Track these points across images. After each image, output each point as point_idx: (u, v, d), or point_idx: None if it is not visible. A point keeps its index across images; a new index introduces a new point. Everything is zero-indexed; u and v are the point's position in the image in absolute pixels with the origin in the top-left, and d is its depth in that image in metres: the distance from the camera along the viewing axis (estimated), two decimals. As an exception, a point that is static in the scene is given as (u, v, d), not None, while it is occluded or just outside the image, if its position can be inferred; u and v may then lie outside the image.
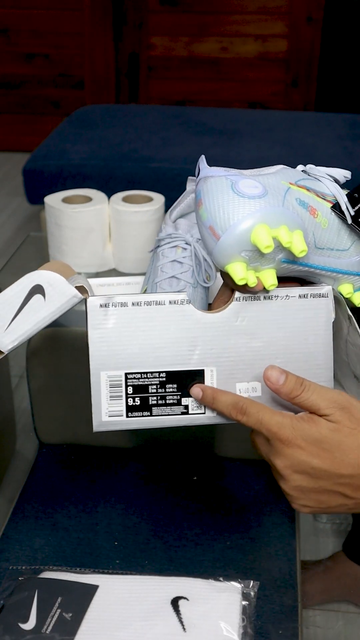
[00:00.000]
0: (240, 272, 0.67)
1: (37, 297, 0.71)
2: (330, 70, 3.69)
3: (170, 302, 0.72)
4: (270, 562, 0.90)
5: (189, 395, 0.73)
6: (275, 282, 0.69)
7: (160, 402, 0.73)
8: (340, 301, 0.76)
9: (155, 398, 0.73)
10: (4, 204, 3.32)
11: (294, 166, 0.76)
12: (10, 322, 0.70)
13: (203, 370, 0.73)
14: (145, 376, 0.72)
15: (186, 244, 0.92)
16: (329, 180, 0.74)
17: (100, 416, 0.72)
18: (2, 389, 1.15)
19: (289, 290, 0.74)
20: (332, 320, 0.75)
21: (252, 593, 0.81)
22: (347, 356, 0.78)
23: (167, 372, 0.73)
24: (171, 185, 1.39)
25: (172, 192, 1.11)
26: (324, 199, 0.72)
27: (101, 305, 0.71)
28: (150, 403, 0.73)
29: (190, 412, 0.73)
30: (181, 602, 0.80)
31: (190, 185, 1.03)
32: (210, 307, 0.76)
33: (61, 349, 1.02)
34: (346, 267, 0.74)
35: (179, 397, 0.73)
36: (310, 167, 0.75)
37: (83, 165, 2.57)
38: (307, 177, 0.73)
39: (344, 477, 0.68)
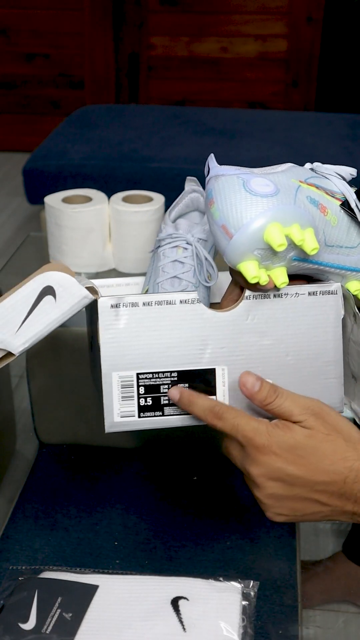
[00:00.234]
0: (252, 271, 0.67)
1: (48, 299, 0.70)
2: (330, 70, 3.70)
3: (181, 302, 0.72)
4: (270, 562, 0.90)
5: None
6: (286, 280, 0.70)
7: (171, 401, 0.73)
8: (346, 298, 0.76)
9: (167, 398, 0.73)
10: (4, 204, 3.32)
11: (295, 167, 0.76)
12: (21, 324, 0.70)
13: (214, 369, 0.73)
14: (156, 376, 0.72)
15: (187, 243, 0.92)
16: (336, 178, 0.74)
17: (112, 417, 0.72)
18: (2, 389, 1.15)
19: (298, 287, 0.74)
20: (342, 317, 0.76)
21: (252, 593, 0.81)
22: (349, 355, 0.78)
23: (178, 372, 0.73)
24: (171, 185, 1.39)
25: (172, 192, 1.11)
26: (333, 197, 0.72)
27: (112, 306, 0.71)
28: (162, 403, 0.73)
29: None
30: (181, 602, 0.80)
31: (188, 186, 1.03)
32: (219, 306, 0.76)
33: (61, 349, 1.02)
34: (355, 264, 0.75)
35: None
36: (317, 165, 0.75)
37: (83, 165, 2.57)
38: (315, 175, 0.73)
39: (319, 484, 0.68)
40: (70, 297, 0.70)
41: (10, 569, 0.85)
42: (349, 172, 0.75)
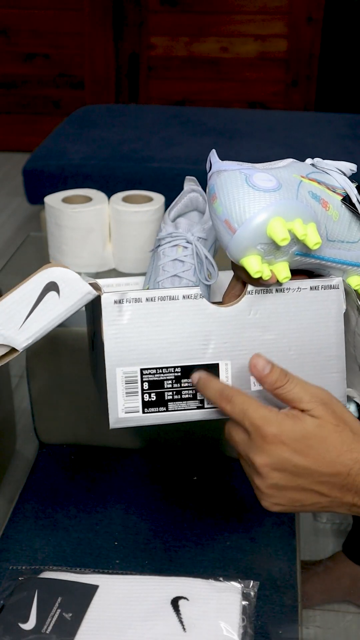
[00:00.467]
0: (255, 265, 0.67)
1: (52, 294, 0.70)
2: (330, 70, 3.69)
3: (183, 297, 0.72)
4: (270, 562, 0.90)
5: None
6: (289, 274, 0.70)
7: (176, 397, 0.73)
8: (348, 293, 0.76)
9: (171, 393, 0.73)
10: (4, 204, 3.32)
11: (296, 166, 0.76)
12: (25, 320, 0.70)
13: (218, 364, 0.73)
14: (160, 371, 0.72)
15: (187, 242, 0.92)
16: (337, 173, 0.74)
17: (117, 413, 0.72)
18: (2, 389, 1.15)
19: (300, 282, 0.75)
20: (344, 311, 0.76)
21: (252, 593, 0.81)
22: (355, 348, 0.79)
23: (182, 367, 0.73)
24: (171, 185, 1.39)
25: (172, 192, 1.11)
26: (334, 192, 0.73)
27: (115, 302, 0.71)
28: (166, 398, 0.73)
29: (206, 406, 0.74)
30: (181, 602, 0.80)
31: (187, 185, 1.03)
32: (221, 302, 0.76)
33: (61, 349, 1.02)
34: (356, 259, 0.75)
35: (194, 392, 0.73)
36: (318, 161, 0.75)
37: (83, 165, 2.57)
38: (316, 171, 0.74)
39: (324, 476, 0.67)
40: (73, 293, 0.70)
41: (10, 569, 0.85)
42: (349, 167, 0.76)
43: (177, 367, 0.73)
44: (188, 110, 3.22)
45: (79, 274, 0.73)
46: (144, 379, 0.72)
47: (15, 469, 1.14)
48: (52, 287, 0.70)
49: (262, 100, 3.79)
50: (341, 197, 0.73)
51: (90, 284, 0.72)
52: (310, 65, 3.69)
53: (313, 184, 0.71)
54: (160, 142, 2.72)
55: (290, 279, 0.72)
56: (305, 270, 0.77)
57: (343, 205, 0.73)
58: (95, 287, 0.72)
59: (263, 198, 0.66)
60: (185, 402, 0.73)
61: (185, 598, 0.80)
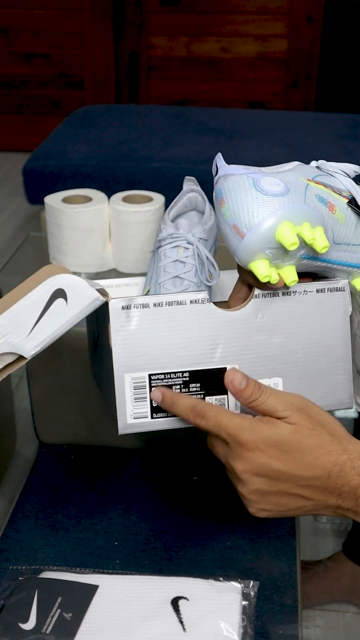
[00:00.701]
0: (264, 270, 0.68)
1: (60, 302, 0.70)
2: (330, 70, 3.69)
3: (191, 302, 0.72)
4: (270, 562, 0.90)
5: (212, 394, 0.73)
6: (296, 278, 0.70)
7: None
8: (353, 295, 0.76)
9: None
10: (4, 204, 3.32)
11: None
12: (33, 328, 0.69)
13: (225, 368, 0.73)
14: (168, 376, 0.72)
15: (188, 243, 0.92)
16: (342, 175, 0.74)
17: (126, 419, 0.72)
18: (2, 389, 1.15)
19: (306, 285, 0.75)
20: (349, 313, 0.76)
21: (252, 593, 0.81)
22: (355, 351, 0.79)
23: (190, 372, 0.73)
24: (171, 185, 1.39)
25: (172, 192, 1.11)
26: (340, 195, 0.73)
27: (123, 307, 0.71)
28: None
29: None
30: (181, 602, 0.80)
31: (187, 185, 1.03)
32: (226, 305, 0.76)
33: (61, 349, 1.02)
34: None
35: (202, 396, 0.73)
36: (322, 163, 0.76)
37: (83, 165, 2.57)
38: (322, 173, 0.74)
39: (304, 479, 0.68)
40: (81, 300, 0.70)
41: (10, 569, 0.85)
42: (353, 169, 0.76)
43: (185, 371, 0.73)
44: (188, 110, 3.22)
45: (78, 274, 0.73)
46: (152, 384, 0.72)
47: (15, 469, 1.14)
48: (59, 294, 0.70)
49: (262, 100, 3.79)
50: (347, 200, 0.73)
51: (98, 290, 0.71)
52: (310, 65, 3.69)
53: (319, 187, 0.71)
54: (160, 142, 2.72)
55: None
56: (311, 272, 0.77)
57: (349, 208, 0.73)
58: (103, 292, 0.72)
59: (271, 202, 0.66)
60: None
61: (185, 598, 0.80)
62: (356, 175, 0.76)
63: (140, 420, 0.72)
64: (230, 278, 0.77)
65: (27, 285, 0.70)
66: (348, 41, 3.63)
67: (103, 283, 1.05)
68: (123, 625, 0.77)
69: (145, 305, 0.71)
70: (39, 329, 0.70)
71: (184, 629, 0.77)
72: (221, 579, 0.83)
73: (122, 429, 0.72)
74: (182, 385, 0.73)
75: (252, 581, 0.82)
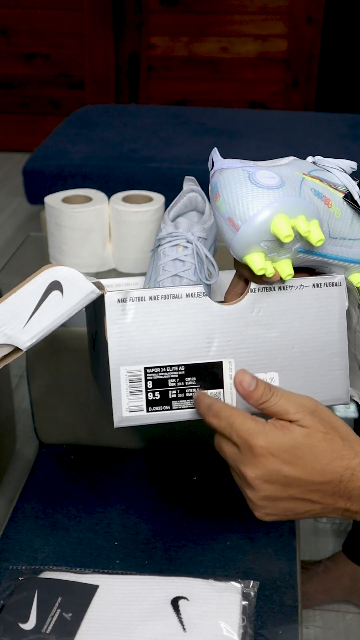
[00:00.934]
0: (259, 263, 0.68)
1: (55, 294, 0.70)
2: (330, 70, 3.69)
3: (187, 295, 0.72)
4: (270, 562, 0.90)
5: (208, 388, 0.73)
6: (292, 272, 0.70)
7: (180, 395, 0.73)
8: (350, 290, 0.76)
9: (175, 391, 0.73)
10: (4, 204, 3.32)
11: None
12: (28, 320, 0.70)
13: (221, 362, 0.73)
14: (164, 370, 0.72)
15: (187, 242, 0.92)
16: (339, 170, 0.74)
17: (121, 412, 0.72)
18: (2, 389, 1.15)
19: (302, 280, 0.75)
20: (346, 308, 0.76)
21: (252, 593, 0.81)
22: (355, 347, 0.79)
23: (186, 365, 0.73)
24: (171, 185, 1.39)
25: (172, 192, 1.11)
26: (336, 189, 0.73)
27: (119, 300, 0.71)
28: (170, 397, 0.73)
29: None
30: (181, 602, 0.79)
31: (187, 185, 1.03)
32: (224, 300, 0.76)
33: (61, 349, 1.02)
34: (357, 256, 0.76)
35: (198, 390, 0.73)
36: (319, 159, 0.76)
37: (83, 165, 2.57)
38: (318, 168, 0.74)
39: (315, 484, 0.67)
40: (77, 292, 0.70)
41: (10, 569, 0.85)
42: (350, 165, 0.76)
43: (181, 365, 0.73)
44: (188, 110, 3.22)
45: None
46: (147, 378, 0.72)
47: (15, 469, 1.14)
48: (55, 286, 0.70)
49: (262, 100, 3.79)
50: (343, 195, 0.73)
51: (94, 283, 0.72)
52: (310, 65, 3.69)
53: (315, 181, 0.71)
54: (160, 142, 2.72)
55: (293, 277, 0.72)
56: (307, 267, 0.77)
57: (345, 203, 0.73)
58: (99, 286, 0.72)
59: (266, 195, 0.66)
60: (189, 400, 0.73)
61: (185, 598, 0.80)
62: (352, 172, 0.76)
63: (135, 414, 0.72)
64: (229, 278, 0.77)
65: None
66: (348, 41, 3.63)
67: (104, 282, 1.05)
68: (123, 625, 0.77)
69: (141, 299, 0.71)
70: (35, 320, 0.70)
71: (184, 629, 0.77)
72: (221, 579, 0.83)
73: (118, 422, 0.72)
74: (177, 379, 0.73)
75: (252, 581, 0.82)
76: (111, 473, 1.05)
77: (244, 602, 0.80)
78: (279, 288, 0.74)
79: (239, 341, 0.73)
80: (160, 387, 0.73)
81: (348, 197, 0.73)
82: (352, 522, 1.44)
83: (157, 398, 0.73)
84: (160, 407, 0.73)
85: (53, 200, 1.27)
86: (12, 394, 1.22)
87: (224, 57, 3.72)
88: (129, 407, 0.72)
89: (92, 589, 0.81)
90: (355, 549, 1.39)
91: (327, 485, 0.67)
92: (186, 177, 1.04)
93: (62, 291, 0.70)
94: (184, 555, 0.90)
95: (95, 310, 0.76)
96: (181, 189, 1.03)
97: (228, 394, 0.73)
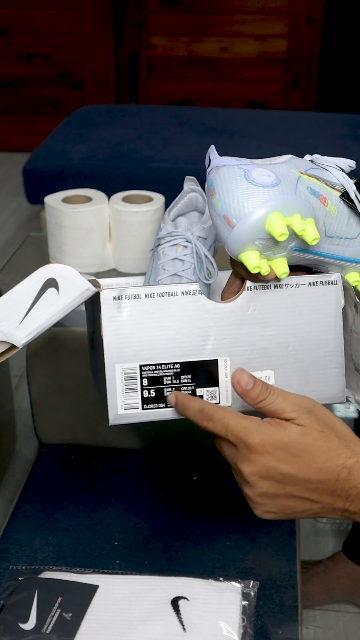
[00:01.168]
0: (254, 261, 0.68)
1: (51, 291, 0.70)
2: (330, 70, 3.69)
3: (182, 293, 0.72)
4: (270, 562, 0.90)
5: (203, 386, 0.73)
6: (287, 270, 0.70)
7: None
8: (346, 289, 0.76)
9: (170, 389, 0.73)
10: (4, 204, 3.32)
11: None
12: (24, 317, 0.70)
13: (217, 360, 0.73)
14: (159, 368, 0.72)
15: (187, 241, 0.92)
16: (336, 169, 0.74)
17: (116, 409, 0.72)
18: (2, 389, 1.15)
19: (298, 278, 0.75)
20: (342, 307, 0.76)
21: (252, 593, 0.81)
22: (351, 347, 0.78)
23: (181, 363, 0.73)
24: (171, 185, 1.39)
25: (172, 192, 1.11)
26: (333, 188, 0.73)
27: (114, 298, 0.71)
28: (165, 395, 0.73)
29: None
30: (181, 602, 0.79)
31: (187, 185, 1.03)
32: (221, 298, 0.76)
33: (61, 349, 1.02)
34: (354, 255, 0.75)
35: (193, 388, 0.73)
36: (316, 157, 0.76)
37: (83, 165, 2.57)
38: (315, 167, 0.74)
39: (312, 483, 0.67)
40: (73, 289, 0.70)
41: (10, 569, 0.85)
42: (348, 164, 0.76)
43: (177, 363, 0.73)
44: (188, 110, 3.22)
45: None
46: (143, 375, 0.72)
47: (15, 469, 1.14)
48: (51, 283, 0.70)
49: (262, 100, 3.79)
50: (340, 193, 0.73)
51: (90, 280, 0.72)
52: (310, 65, 3.69)
53: (312, 179, 0.71)
54: (160, 142, 2.72)
55: (289, 275, 0.72)
56: (304, 266, 0.77)
57: (341, 202, 0.73)
58: (95, 283, 0.72)
59: (262, 193, 0.66)
60: None
61: (185, 598, 0.80)
62: (351, 171, 0.76)
63: (131, 412, 0.72)
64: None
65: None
66: (348, 41, 3.63)
67: (103, 283, 1.05)
68: (123, 625, 0.77)
69: (136, 296, 0.71)
70: (31, 317, 0.70)
71: (184, 629, 0.77)
72: (221, 579, 0.83)
73: (113, 420, 0.72)
74: (173, 377, 0.73)
75: (252, 581, 0.82)
76: (111, 473, 1.05)
77: (244, 602, 0.80)
78: (275, 286, 0.74)
79: (235, 339, 0.73)
80: (155, 384, 0.73)
81: (345, 195, 0.73)
82: (351, 522, 1.44)
83: (152, 396, 0.73)
84: (155, 405, 0.73)
85: (53, 200, 1.27)
86: (12, 394, 1.22)
87: (224, 57, 3.72)
88: (124, 404, 0.72)
89: (92, 589, 0.81)
90: (355, 549, 1.39)
91: (324, 483, 0.67)
92: (187, 177, 1.04)
93: (57, 288, 0.70)
94: (184, 555, 0.90)
95: (93, 309, 0.76)
96: (181, 189, 1.03)
97: (223, 392, 0.73)
